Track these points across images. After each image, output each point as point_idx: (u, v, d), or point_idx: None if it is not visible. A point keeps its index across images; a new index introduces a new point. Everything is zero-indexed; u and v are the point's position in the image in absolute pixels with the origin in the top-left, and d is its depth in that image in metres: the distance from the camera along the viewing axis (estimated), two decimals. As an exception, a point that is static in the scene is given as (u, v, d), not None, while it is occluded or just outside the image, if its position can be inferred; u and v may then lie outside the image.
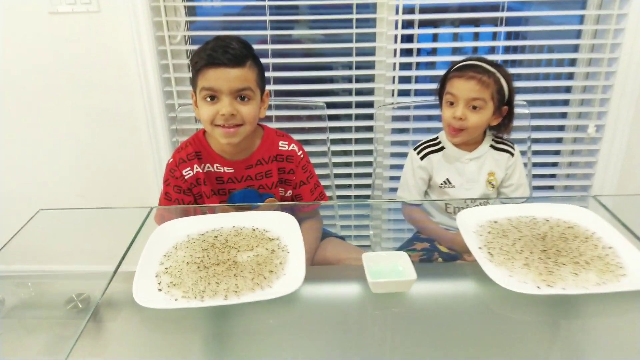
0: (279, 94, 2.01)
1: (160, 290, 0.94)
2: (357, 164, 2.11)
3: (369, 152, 2.10)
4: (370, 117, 2.05)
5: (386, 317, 0.93)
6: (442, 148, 1.58)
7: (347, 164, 2.11)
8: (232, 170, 1.37)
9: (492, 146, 1.57)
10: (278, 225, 1.14)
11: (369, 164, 2.10)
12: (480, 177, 1.56)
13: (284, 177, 1.43)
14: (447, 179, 1.57)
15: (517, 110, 1.56)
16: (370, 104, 2.06)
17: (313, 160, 1.50)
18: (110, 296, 0.97)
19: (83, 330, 0.89)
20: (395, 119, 2.03)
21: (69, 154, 2.05)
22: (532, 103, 1.80)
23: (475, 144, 1.56)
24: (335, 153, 2.01)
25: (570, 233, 1.08)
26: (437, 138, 1.61)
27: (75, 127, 1.99)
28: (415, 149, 1.61)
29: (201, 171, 1.36)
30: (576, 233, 1.08)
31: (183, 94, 2.01)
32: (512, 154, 1.57)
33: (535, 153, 2.05)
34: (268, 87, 1.43)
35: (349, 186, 2.14)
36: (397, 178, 2.04)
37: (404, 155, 2.03)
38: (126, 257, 1.06)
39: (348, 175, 2.12)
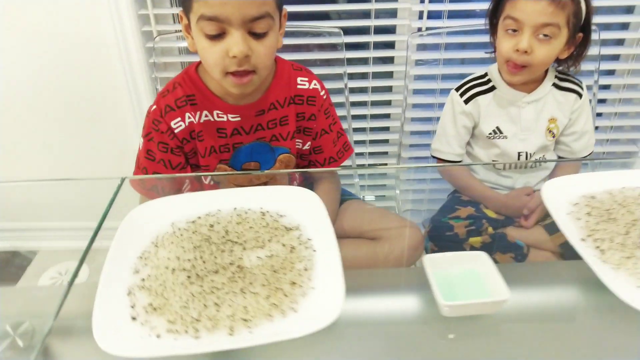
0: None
1: (134, 319, 0.64)
2: (375, 104, 1.76)
3: (388, 89, 1.75)
4: (391, 45, 1.68)
5: (462, 348, 0.65)
6: (493, 88, 1.25)
7: (363, 104, 1.76)
8: (239, 119, 1.03)
9: (555, 85, 1.24)
10: (296, 206, 0.83)
11: (388, 102, 1.76)
12: (539, 124, 1.25)
13: (302, 125, 1.10)
14: (498, 128, 1.25)
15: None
16: (392, 30, 1.68)
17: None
18: (66, 327, 0.67)
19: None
20: (422, 47, 1.67)
21: (27, 90, 1.67)
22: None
23: (535, 83, 1.23)
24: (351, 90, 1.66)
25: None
26: (485, 75, 1.27)
27: (30, 56, 1.61)
28: (457, 90, 1.27)
29: (196, 122, 1.02)
30: None
31: (162, 18, 1.63)
32: (580, 95, 1.25)
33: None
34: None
35: (364, 130, 1.81)
36: (422, 120, 1.73)
37: (429, 92, 1.71)
38: (86, 257, 0.75)
39: (363, 117, 1.78)
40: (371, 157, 1.86)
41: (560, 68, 1.24)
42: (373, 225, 1.11)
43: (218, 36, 0.88)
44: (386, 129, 1.83)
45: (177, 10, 1.58)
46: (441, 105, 1.64)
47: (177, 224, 0.80)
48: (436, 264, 0.69)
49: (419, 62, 1.69)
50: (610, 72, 1.77)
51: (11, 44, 1.58)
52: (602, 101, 1.81)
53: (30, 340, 0.65)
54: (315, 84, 1.08)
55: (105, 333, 0.60)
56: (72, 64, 1.62)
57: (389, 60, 1.72)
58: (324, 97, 1.10)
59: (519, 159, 1.26)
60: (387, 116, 1.81)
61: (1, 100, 1.68)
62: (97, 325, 0.61)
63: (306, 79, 1.08)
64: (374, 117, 1.79)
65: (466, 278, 0.69)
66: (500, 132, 1.25)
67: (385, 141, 1.85)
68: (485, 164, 1.30)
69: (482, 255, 0.70)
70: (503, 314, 0.66)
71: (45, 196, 1.73)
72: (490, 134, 1.25)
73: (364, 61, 1.69)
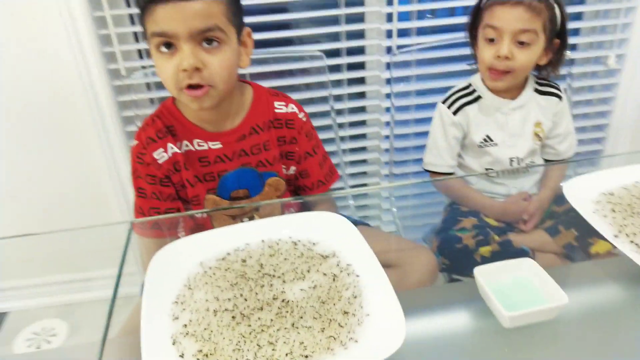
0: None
1: (187, 369, 0.60)
2: (353, 125, 1.76)
3: (362, 109, 1.76)
4: (361, 66, 1.69)
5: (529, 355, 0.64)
6: (479, 97, 1.27)
7: (341, 126, 1.75)
8: (220, 146, 1.02)
9: (536, 90, 1.28)
10: (326, 231, 0.80)
11: (363, 122, 1.77)
12: (526, 129, 1.28)
13: (285, 149, 1.09)
14: (488, 136, 1.27)
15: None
16: (361, 50, 1.69)
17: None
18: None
19: None
20: (395, 66, 1.68)
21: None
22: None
23: (517, 89, 1.27)
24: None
25: None
26: (469, 86, 1.29)
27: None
28: (444, 102, 1.29)
29: (179, 151, 1.00)
30: None
31: (128, 55, 1.58)
32: (560, 97, 1.29)
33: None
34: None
35: (343, 151, 1.79)
36: (401, 136, 1.74)
37: (404, 109, 1.72)
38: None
39: (341, 139, 1.77)
40: (350, 178, 1.85)
41: (539, 74, 1.29)
42: (387, 252, 1.09)
43: (171, 52, 0.88)
44: (363, 149, 1.83)
45: (142, 45, 1.54)
46: (419, 121, 1.68)
47: (206, 262, 0.76)
48: (487, 275, 0.69)
49: (396, 80, 1.69)
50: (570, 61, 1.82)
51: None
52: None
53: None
54: (292, 107, 1.08)
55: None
56: (37, 107, 1.54)
57: (360, 81, 1.73)
58: (304, 119, 1.10)
59: (511, 164, 1.29)
60: (363, 136, 1.82)
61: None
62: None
63: (283, 102, 1.08)
64: (352, 137, 1.79)
65: (518, 286, 0.68)
66: (491, 140, 1.27)
67: (364, 161, 1.85)
68: (478, 174, 1.32)
69: (528, 262, 0.70)
70: (563, 317, 0.65)
71: (9, 251, 1.62)
72: (481, 142, 1.27)
73: (335, 84, 1.68)
